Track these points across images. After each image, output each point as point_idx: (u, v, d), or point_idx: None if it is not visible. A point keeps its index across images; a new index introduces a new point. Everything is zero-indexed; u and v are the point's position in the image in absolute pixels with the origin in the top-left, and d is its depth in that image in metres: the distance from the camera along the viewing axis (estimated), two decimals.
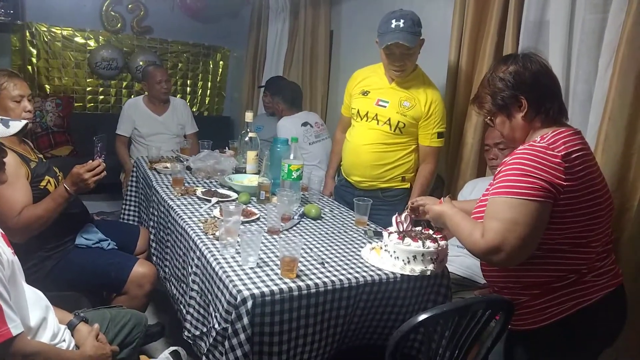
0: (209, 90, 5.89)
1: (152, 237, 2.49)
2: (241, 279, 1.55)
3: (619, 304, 1.53)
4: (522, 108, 1.47)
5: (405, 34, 2.25)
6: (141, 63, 5.25)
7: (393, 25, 2.26)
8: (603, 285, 1.47)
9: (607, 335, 1.54)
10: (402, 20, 2.25)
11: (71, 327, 1.56)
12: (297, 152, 2.36)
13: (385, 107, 2.43)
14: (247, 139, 2.71)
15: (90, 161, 2.04)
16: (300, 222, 2.16)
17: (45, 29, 4.89)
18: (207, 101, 5.91)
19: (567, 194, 1.35)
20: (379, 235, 2.03)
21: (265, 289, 1.50)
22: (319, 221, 2.21)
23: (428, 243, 1.69)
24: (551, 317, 1.44)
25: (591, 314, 1.44)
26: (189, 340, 1.79)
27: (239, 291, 1.48)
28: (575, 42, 2.20)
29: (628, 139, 1.95)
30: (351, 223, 2.22)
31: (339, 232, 2.09)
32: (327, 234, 2.06)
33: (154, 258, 2.44)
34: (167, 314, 2.67)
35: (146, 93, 3.87)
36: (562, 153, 1.36)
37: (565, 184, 1.34)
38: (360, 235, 2.07)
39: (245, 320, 1.46)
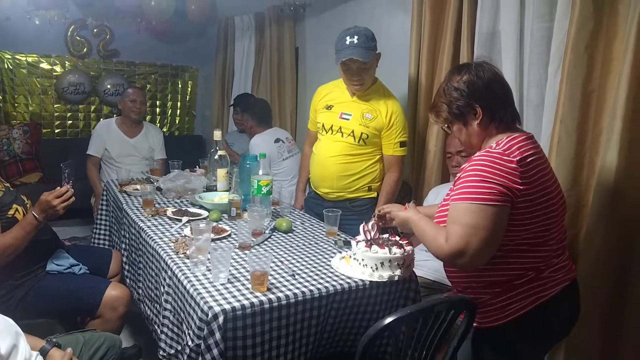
0: (178, 110, 5.91)
1: (124, 259, 2.50)
2: (212, 295, 1.58)
3: (573, 296, 1.61)
4: (477, 116, 1.53)
5: (360, 49, 2.32)
6: (109, 86, 5.26)
7: (347, 42, 2.34)
8: (559, 280, 1.54)
9: (564, 326, 1.62)
10: (355, 37, 2.33)
11: (43, 353, 1.56)
12: (266, 167, 2.41)
13: (348, 119, 2.50)
14: (216, 157, 2.74)
15: (58, 187, 2.04)
16: (272, 236, 2.19)
17: (9, 56, 4.87)
18: (177, 121, 5.93)
19: (523, 197, 1.42)
20: (348, 244, 2.07)
21: (237, 304, 1.53)
22: (290, 234, 2.25)
23: (394, 249, 1.75)
24: (513, 313, 1.50)
25: (550, 307, 1.51)
26: (164, 359, 1.80)
27: (210, 307, 1.51)
28: (526, 50, 2.31)
29: (579, 140, 2.05)
30: (322, 234, 2.26)
31: (310, 244, 2.13)
32: (298, 246, 2.10)
33: (127, 280, 2.44)
34: (143, 335, 2.66)
35: (117, 116, 3.88)
36: (517, 158, 1.42)
37: (521, 187, 1.40)
38: (331, 246, 2.11)
39: (218, 335, 1.48)
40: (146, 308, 2.12)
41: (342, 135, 2.51)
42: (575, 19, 1.97)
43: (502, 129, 1.54)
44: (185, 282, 1.69)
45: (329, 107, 2.59)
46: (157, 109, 5.76)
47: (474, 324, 1.54)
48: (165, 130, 5.77)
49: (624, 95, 1.82)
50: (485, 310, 1.54)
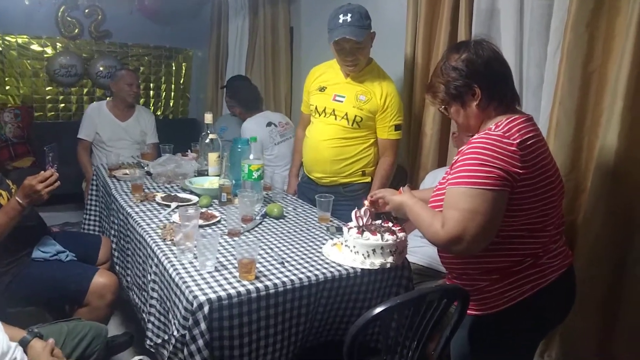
0: (173, 93, 5.80)
1: (113, 245, 2.45)
2: (198, 284, 1.53)
3: (570, 282, 1.58)
4: (475, 97, 1.46)
5: (353, 28, 2.24)
6: (101, 68, 5.16)
7: (340, 20, 2.25)
8: (557, 266, 1.50)
9: (561, 312, 1.60)
10: (349, 15, 2.24)
11: (24, 344, 1.52)
12: (257, 152, 2.34)
13: (342, 102, 2.43)
14: (207, 140, 2.68)
15: (42, 172, 1.98)
16: (263, 222, 2.14)
17: None
18: (171, 104, 5.83)
19: (523, 182, 1.37)
20: (341, 230, 2.02)
21: (223, 293, 1.48)
22: (281, 220, 2.20)
23: (387, 236, 1.70)
24: (511, 300, 1.46)
25: (548, 293, 1.48)
26: (152, 349, 1.76)
27: (195, 297, 1.46)
28: (526, 28, 2.24)
29: (578, 122, 1.99)
30: (314, 220, 2.21)
31: (302, 230, 2.08)
32: (289, 232, 2.05)
33: (117, 267, 2.40)
34: (135, 323, 2.63)
35: (109, 99, 3.80)
36: (517, 141, 1.37)
37: (521, 171, 1.35)
38: (323, 232, 2.06)
39: (203, 325, 1.44)
40: (134, 296, 2.08)
41: (336, 118, 2.44)
42: None
43: (501, 111, 1.47)
44: (171, 270, 1.64)
45: (322, 89, 2.51)
46: (151, 92, 5.66)
47: (471, 312, 1.50)
48: (159, 113, 5.68)
49: (626, 72, 1.76)
50: (483, 297, 1.49)
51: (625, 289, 1.92)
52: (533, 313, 1.49)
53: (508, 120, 1.43)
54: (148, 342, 1.75)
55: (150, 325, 1.76)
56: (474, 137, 1.44)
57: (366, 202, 1.80)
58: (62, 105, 5.21)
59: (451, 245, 1.39)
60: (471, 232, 1.34)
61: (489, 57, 1.46)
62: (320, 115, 2.50)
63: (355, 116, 2.40)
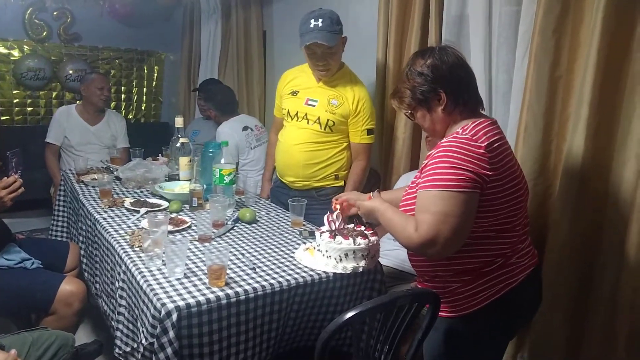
0: (144, 97, 5.73)
1: (82, 252, 2.39)
2: (166, 292, 1.50)
3: (537, 282, 1.62)
4: (441, 101, 1.48)
5: (325, 33, 2.24)
6: (71, 72, 5.06)
7: (312, 25, 2.25)
8: (525, 265, 1.54)
9: (531, 311, 1.64)
10: (320, 20, 2.25)
11: None
12: (229, 156, 2.32)
13: (314, 106, 2.43)
14: (178, 144, 2.64)
15: (5, 178, 1.93)
16: (235, 228, 2.12)
17: None
18: (143, 107, 5.75)
19: (492, 183, 1.39)
20: (314, 235, 2.01)
21: (191, 300, 1.45)
22: (254, 225, 2.18)
23: (359, 240, 1.69)
24: (484, 300, 1.48)
25: (518, 293, 1.51)
26: (121, 357, 1.71)
27: (163, 304, 1.43)
28: (495, 34, 2.27)
29: (546, 126, 2.02)
30: (287, 225, 2.20)
31: (274, 235, 2.06)
32: (261, 237, 2.03)
33: (86, 274, 2.34)
34: (105, 330, 2.57)
35: (78, 102, 3.72)
36: (485, 144, 1.39)
37: (490, 173, 1.37)
38: (296, 237, 2.05)
39: (171, 333, 1.41)
40: (103, 303, 2.04)
41: (308, 122, 2.44)
42: (542, 3, 1.93)
43: (467, 115, 1.50)
44: (139, 277, 1.61)
45: (294, 93, 2.51)
46: (122, 95, 5.57)
47: (444, 314, 1.51)
48: (130, 117, 5.60)
49: (590, 80, 1.79)
50: (455, 299, 1.51)
51: (594, 290, 1.95)
52: (504, 313, 1.51)
53: (474, 124, 1.46)
54: (117, 350, 1.71)
55: (119, 333, 1.72)
56: (443, 141, 1.46)
57: (338, 206, 1.79)
58: (30, 109, 5.10)
59: (425, 249, 1.40)
60: (444, 235, 1.35)
61: (453, 63, 1.48)
62: (292, 119, 2.49)
63: (328, 120, 2.40)
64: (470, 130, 1.43)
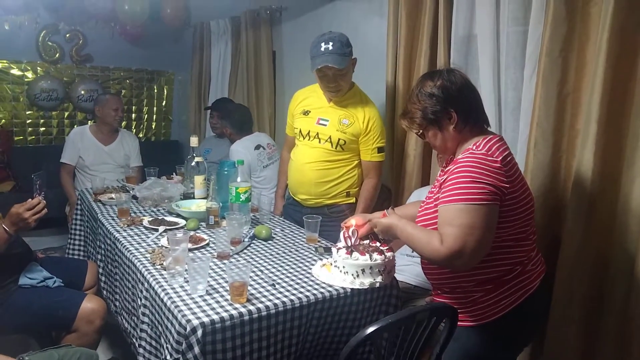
0: (155, 115, 5.82)
1: (100, 270, 2.44)
2: (190, 308, 1.54)
3: (548, 287, 1.74)
4: (452, 120, 1.56)
5: (335, 56, 2.31)
6: (82, 92, 5.16)
7: (322, 49, 2.32)
8: (539, 272, 1.62)
9: (545, 315, 1.76)
10: (330, 43, 2.31)
11: None
12: (244, 174, 2.37)
13: (325, 125, 2.48)
14: (193, 163, 2.70)
15: (30, 199, 1.98)
16: (251, 244, 2.17)
17: None
18: (153, 126, 5.84)
19: (509, 195, 1.47)
20: (329, 251, 2.05)
21: (215, 317, 1.50)
22: (270, 242, 2.22)
23: (375, 256, 1.73)
24: (505, 308, 1.54)
25: (536, 299, 1.58)
26: None
27: (188, 320, 1.47)
28: (502, 53, 2.33)
29: (556, 142, 2.07)
30: (302, 241, 2.24)
31: (290, 252, 2.10)
32: (278, 254, 2.07)
33: (104, 292, 2.39)
34: (121, 348, 2.61)
35: (90, 123, 3.80)
36: (499, 158, 1.47)
37: (507, 186, 1.45)
38: (311, 253, 2.09)
39: (197, 349, 1.45)
40: (124, 321, 2.08)
41: (320, 141, 2.49)
42: (549, 23, 1.99)
43: (476, 132, 1.58)
44: (162, 294, 1.65)
45: (306, 113, 2.57)
46: (133, 115, 5.67)
47: (466, 323, 1.56)
48: (141, 135, 5.69)
49: (597, 98, 1.84)
50: (478, 308, 1.56)
51: (606, 303, 1.98)
52: (524, 319, 1.58)
53: (485, 140, 1.53)
54: None
55: (141, 350, 1.76)
56: (460, 157, 1.52)
57: (353, 222, 1.83)
58: (43, 129, 5.19)
59: (452, 260, 1.45)
60: (471, 246, 1.41)
61: (461, 84, 1.57)
62: (304, 138, 2.55)
63: (339, 139, 2.46)
64: (484, 146, 1.50)
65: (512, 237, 1.52)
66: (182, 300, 1.60)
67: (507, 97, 2.33)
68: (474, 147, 1.51)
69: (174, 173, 3.18)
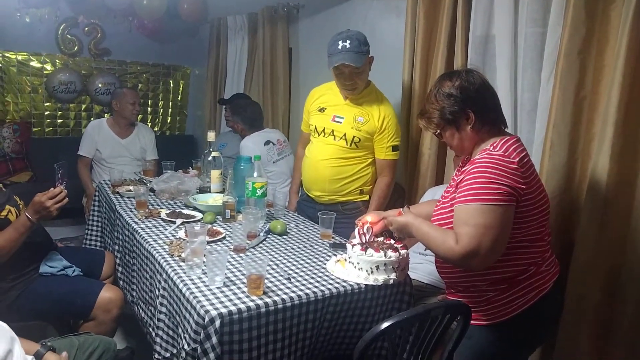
0: (170, 110, 5.88)
1: (117, 261, 2.48)
2: (208, 299, 1.58)
3: (561, 290, 1.73)
4: (469, 120, 1.57)
5: (352, 54, 2.33)
6: (100, 85, 5.22)
7: (340, 47, 2.34)
8: (553, 272, 1.63)
9: (558, 315, 1.76)
10: (348, 41, 2.33)
11: (38, 357, 1.55)
12: (261, 169, 2.41)
13: (340, 122, 2.51)
14: (210, 158, 2.73)
15: (52, 188, 2.03)
16: (267, 239, 2.20)
17: None
18: (169, 120, 5.90)
19: (525, 196, 1.48)
20: (343, 247, 2.08)
21: (233, 308, 1.53)
22: (284, 237, 2.25)
23: (390, 253, 1.75)
24: (518, 308, 1.56)
25: (549, 299, 1.60)
26: None
27: (207, 311, 1.51)
28: (520, 54, 2.33)
29: (572, 145, 2.07)
30: (316, 237, 2.27)
31: (305, 247, 2.13)
32: (293, 249, 2.10)
33: (121, 282, 2.43)
34: (135, 337, 2.66)
35: (106, 116, 3.85)
36: (517, 159, 1.48)
37: (524, 187, 1.47)
38: (326, 249, 2.12)
39: (214, 339, 1.48)
40: (140, 310, 2.12)
41: (334, 139, 2.52)
42: (568, 25, 1.99)
43: (494, 133, 1.59)
44: (181, 285, 1.69)
45: (321, 110, 2.59)
46: (149, 109, 5.74)
47: (480, 322, 1.58)
48: (156, 129, 5.75)
49: (615, 101, 1.84)
50: (491, 307, 1.58)
51: (618, 305, 1.98)
52: (537, 319, 1.59)
53: (503, 141, 1.54)
54: (156, 355, 1.79)
55: (158, 339, 1.79)
56: (476, 157, 1.53)
57: (368, 218, 1.85)
58: (60, 121, 5.27)
59: (467, 260, 1.47)
60: (486, 246, 1.43)
61: (479, 85, 1.58)
62: (319, 135, 2.58)
63: (354, 137, 2.48)
64: (501, 147, 1.52)
65: (527, 237, 1.53)
66: (201, 291, 1.63)
67: (523, 98, 2.33)
68: (491, 148, 1.52)
69: (190, 167, 3.22)
